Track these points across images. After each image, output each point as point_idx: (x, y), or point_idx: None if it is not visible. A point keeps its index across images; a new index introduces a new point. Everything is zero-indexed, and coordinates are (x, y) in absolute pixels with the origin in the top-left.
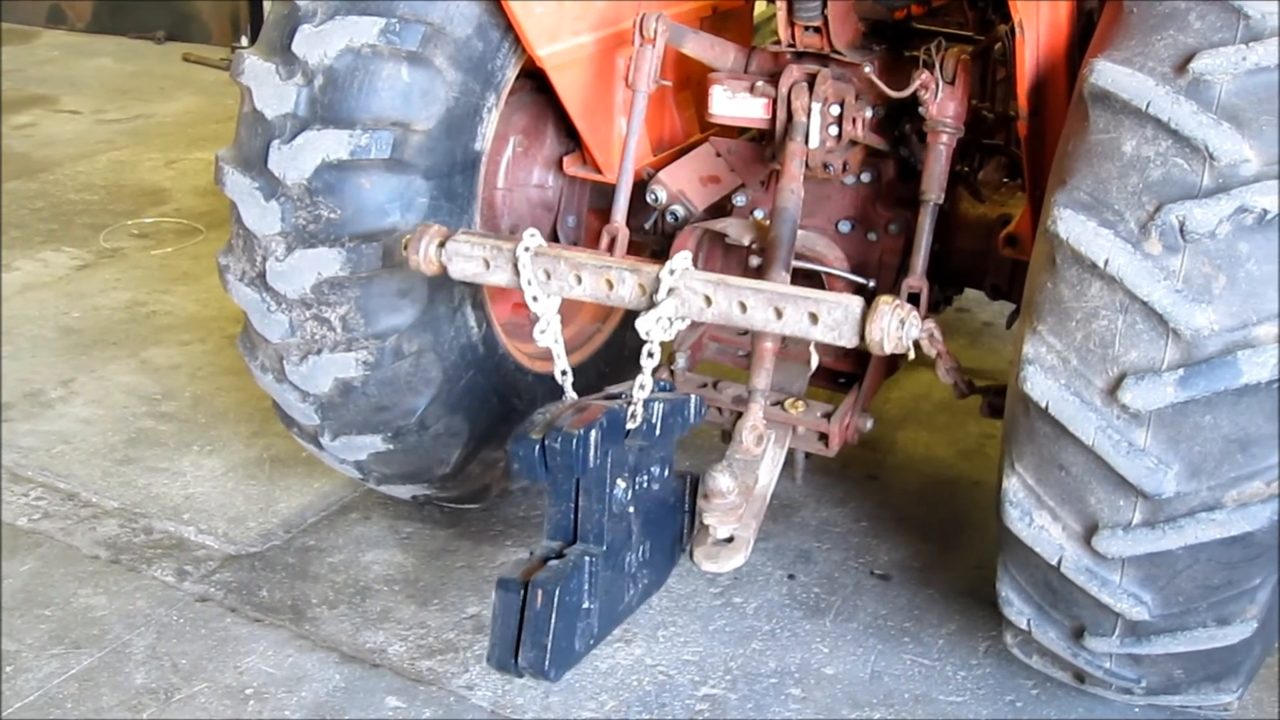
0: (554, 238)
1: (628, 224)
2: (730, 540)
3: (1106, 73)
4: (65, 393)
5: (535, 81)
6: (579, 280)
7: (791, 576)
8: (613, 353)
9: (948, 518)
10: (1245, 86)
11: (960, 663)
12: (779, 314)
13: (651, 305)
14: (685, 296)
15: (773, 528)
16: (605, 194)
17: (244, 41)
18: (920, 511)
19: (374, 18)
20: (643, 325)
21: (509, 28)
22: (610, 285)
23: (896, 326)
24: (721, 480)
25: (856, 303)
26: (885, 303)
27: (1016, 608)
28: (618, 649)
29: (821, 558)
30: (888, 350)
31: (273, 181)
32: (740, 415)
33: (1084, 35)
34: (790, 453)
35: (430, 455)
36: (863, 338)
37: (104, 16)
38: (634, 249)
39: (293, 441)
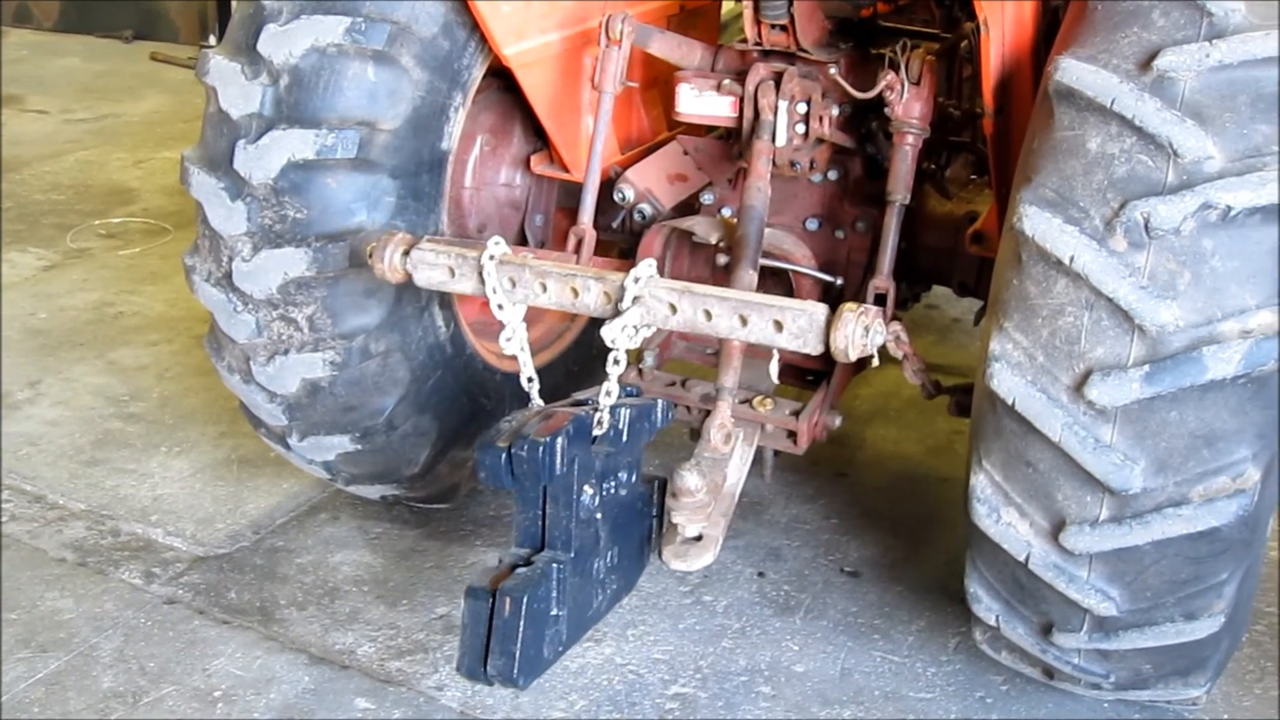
0: (521, 237)
1: (596, 222)
2: (699, 539)
3: (1071, 70)
4: (32, 394)
5: (502, 80)
6: (544, 288)
7: (761, 574)
8: (582, 351)
9: (917, 514)
10: (1209, 83)
11: (930, 659)
12: (744, 321)
13: (617, 313)
14: (650, 305)
15: (742, 525)
16: (573, 192)
17: (212, 40)
18: (889, 508)
19: (339, 17)
20: (608, 333)
21: (475, 26)
22: (575, 293)
23: (861, 334)
24: (690, 479)
25: (821, 310)
26: (850, 310)
27: (985, 604)
28: (588, 649)
29: (791, 555)
30: (853, 358)
31: (238, 181)
32: (708, 413)
33: (1049, 33)
34: (759, 450)
35: (399, 455)
36: (828, 346)
37: (71, 15)
38: (601, 247)
39: (261, 442)
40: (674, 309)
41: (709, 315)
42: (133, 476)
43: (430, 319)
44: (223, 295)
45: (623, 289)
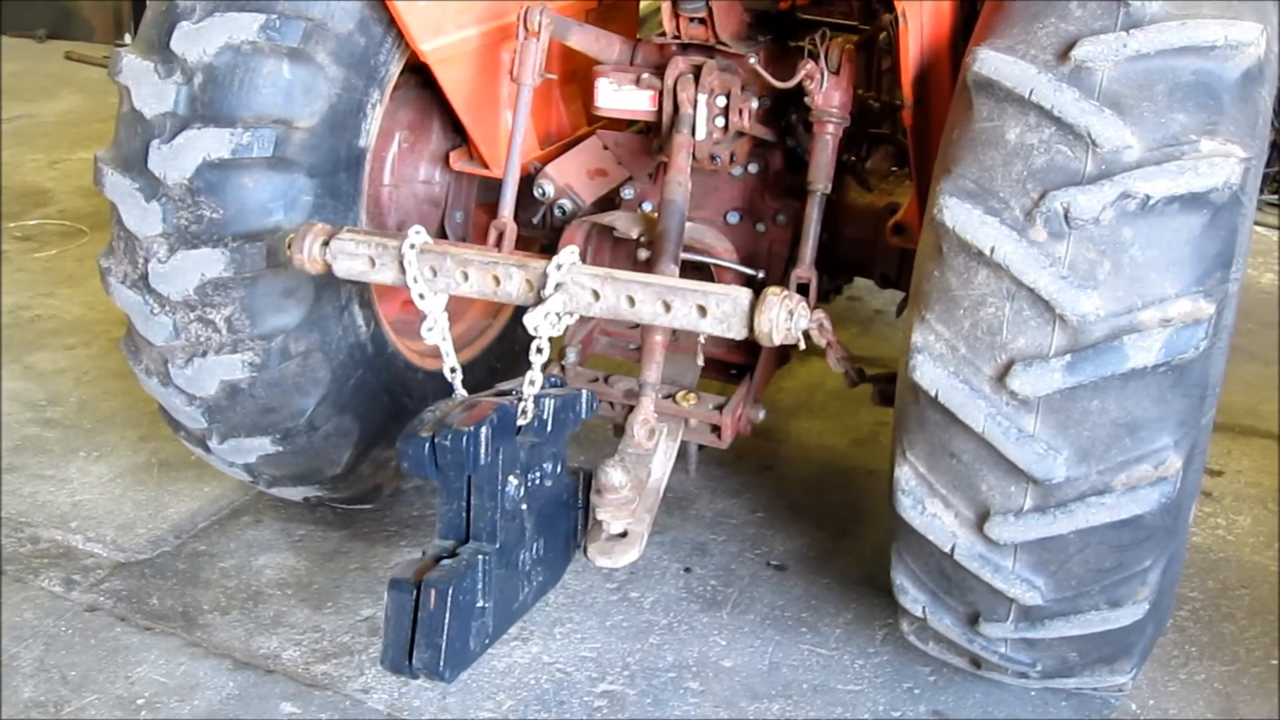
0: (442, 234)
1: (516, 218)
2: (624, 535)
3: (989, 61)
4: None
5: (420, 76)
6: (465, 277)
7: (688, 569)
8: (504, 348)
9: (842, 506)
10: (1126, 73)
11: (858, 651)
12: (667, 307)
13: (539, 301)
14: (573, 291)
15: (668, 521)
16: (493, 189)
17: (128, 39)
18: (815, 501)
19: (254, 14)
20: (531, 321)
21: (392, 23)
22: (497, 281)
23: (785, 318)
24: (614, 475)
25: (745, 295)
26: (773, 294)
27: (912, 595)
28: (514, 647)
29: (717, 550)
30: (777, 341)
31: (153, 182)
32: (632, 409)
33: (967, 24)
34: (683, 445)
35: (321, 456)
36: (752, 330)
37: None
38: (522, 243)
39: (181, 445)
40: (597, 295)
41: (632, 301)
42: (51, 482)
43: (350, 318)
44: (139, 297)
45: (545, 276)
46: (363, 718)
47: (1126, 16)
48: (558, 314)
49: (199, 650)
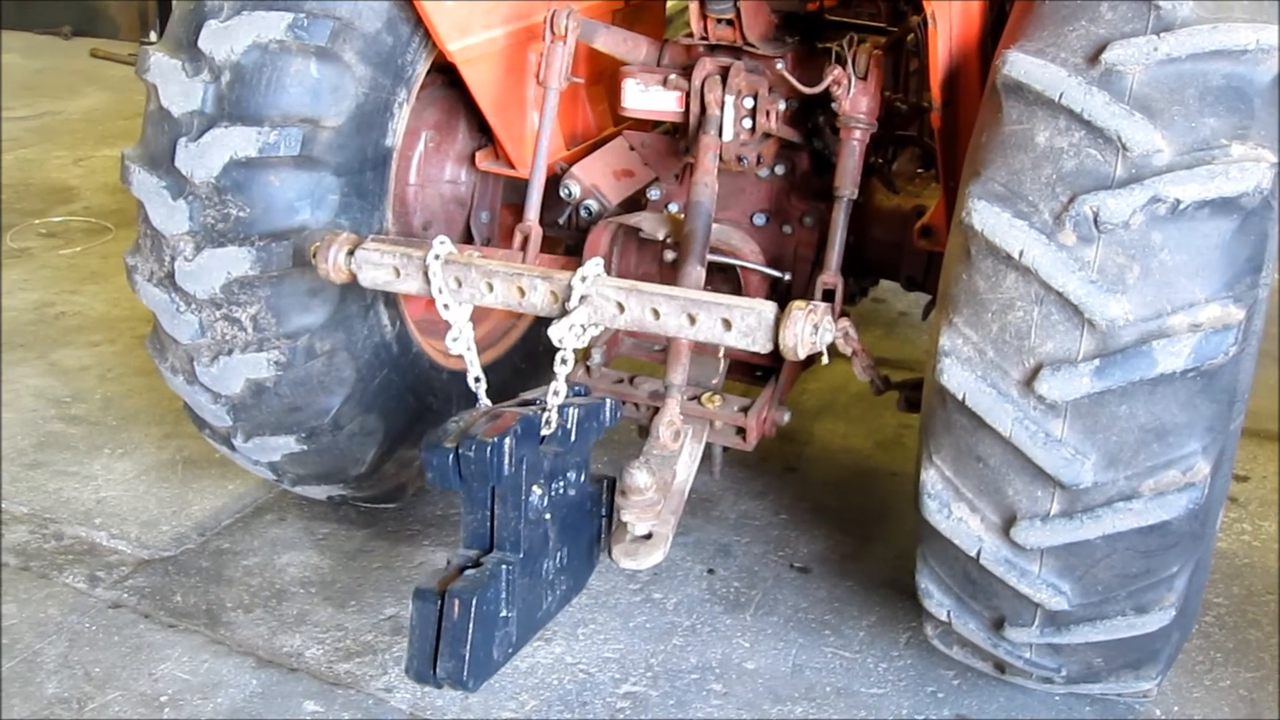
0: (467, 234)
1: (541, 219)
2: (649, 537)
3: (1019, 64)
4: None
5: (446, 76)
6: (490, 288)
7: (711, 571)
8: (527, 350)
9: (866, 509)
10: (1157, 77)
11: (881, 655)
12: (692, 320)
13: (564, 312)
14: (598, 304)
15: (691, 522)
16: (518, 189)
17: (153, 37)
18: (839, 503)
19: (281, 13)
20: (555, 333)
21: (419, 22)
22: (522, 293)
23: (810, 331)
24: (639, 476)
25: (770, 309)
26: (799, 308)
27: (936, 599)
28: (538, 648)
29: (741, 551)
30: (802, 355)
31: (180, 180)
32: (657, 411)
33: (996, 26)
34: (708, 447)
35: (345, 455)
36: (777, 343)
37: (9, 12)
38: (548, 244)
39: (205, 443)
40: (621, 308)
41: (657, 314)
42: (76, 479)
43: (376, 317)
44: (165, 295)
45: (570, 288)
46: (385, 717)
47: (1157, 19)
48: (582, 326)
49: (222, 648)
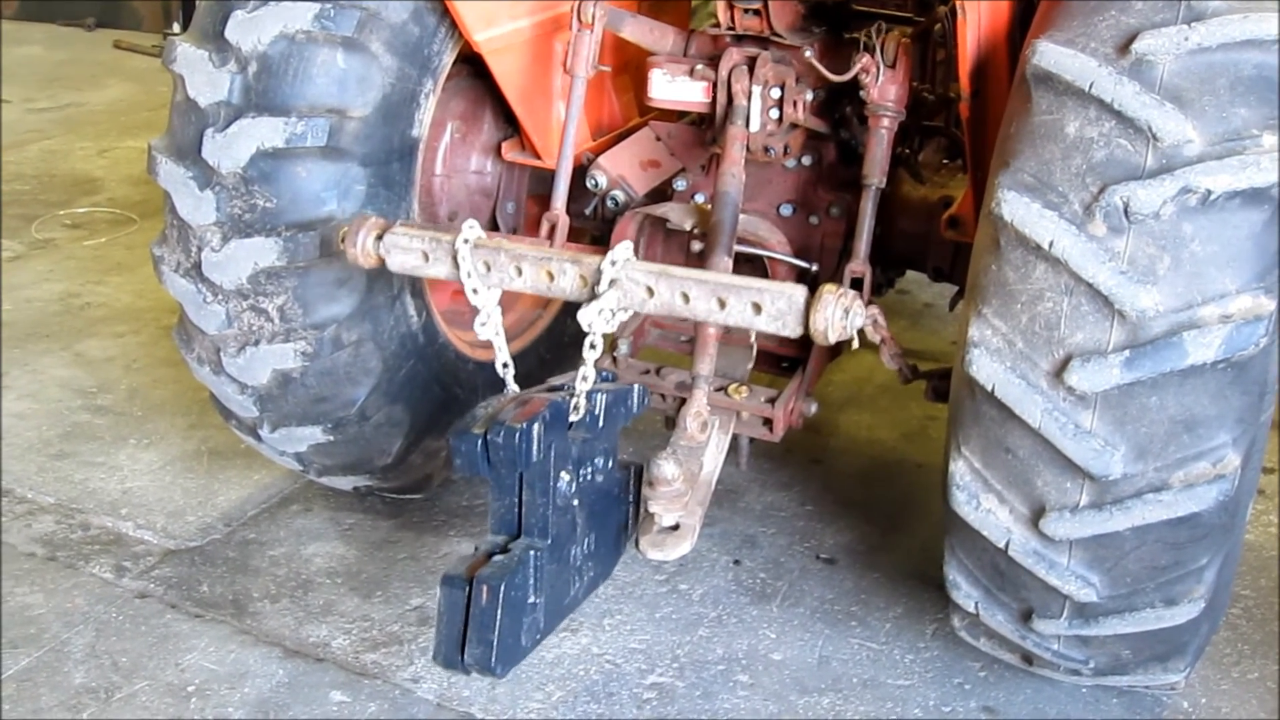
0: (493, 224)
1: (568, 209)
2: (676, 528)
3: (1049, 54)
4: None
5: (473, 66)
6: (519, 272)
7: (737, 562)
8: (554, 339)
9: (892, 500)
10: (1188, 67)
11: (908, 646)
12: (722, 304)
13: (593, 297)
14: (627, 288)
15: (718, 514)
16: (544, 180)
17: (176, 28)
18: (865, 495)
19: (308, 3)
20: (584, 317)
21: (445, 12)
22: (551, 277)
23: (841, 316)
24: (666, 467)
25: (800, 292)
26: (829, 292)
27: (964, 591)
28: (564, 639)
29: (767, 543)
30: (833, 340)
31: (207, 171)
32: (684, 401)
33: (1025, 16)
34: (734, 438)
35: (371, 446)
36: (807, 327)
37: (33, 4)
38: (574, 235)
39: (231, 434)
40: (651, 292)
41: (687, 298)
42: (102, 469)
43: (402, 308)
44: (192, 286)
45: (599, 272)
46: (412, 708)
47: (1188, 9)
48: (612, 310)
49: (249, 638)
